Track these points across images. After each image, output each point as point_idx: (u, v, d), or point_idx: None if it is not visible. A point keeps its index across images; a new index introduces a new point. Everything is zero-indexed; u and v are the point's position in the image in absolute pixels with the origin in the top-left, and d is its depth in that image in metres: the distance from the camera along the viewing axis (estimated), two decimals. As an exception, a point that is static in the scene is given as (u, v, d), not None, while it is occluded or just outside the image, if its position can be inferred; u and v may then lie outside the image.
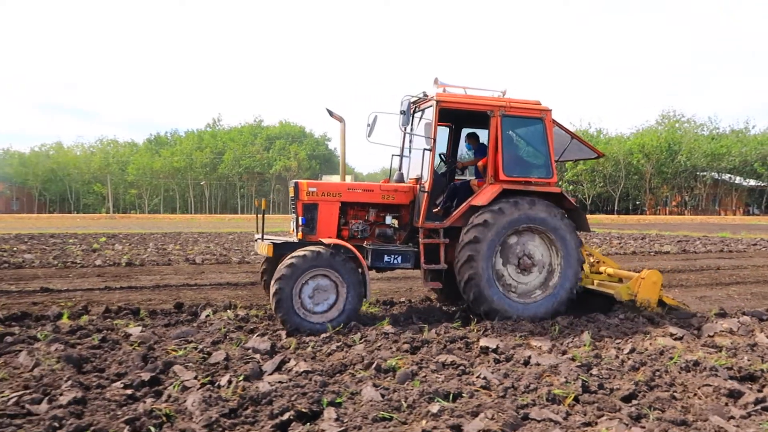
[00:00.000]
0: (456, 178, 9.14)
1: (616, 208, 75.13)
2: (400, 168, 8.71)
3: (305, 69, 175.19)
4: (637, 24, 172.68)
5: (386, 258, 7.55)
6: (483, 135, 8.81)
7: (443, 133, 9.15)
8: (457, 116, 8.84)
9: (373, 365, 5.24)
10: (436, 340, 6.41)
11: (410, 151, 8.47)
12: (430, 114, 7.71)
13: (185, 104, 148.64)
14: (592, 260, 9.35)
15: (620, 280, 9.00)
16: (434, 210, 8.07)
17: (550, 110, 8.01)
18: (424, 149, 7.72)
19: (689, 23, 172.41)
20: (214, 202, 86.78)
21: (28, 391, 4.51)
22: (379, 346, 6.09)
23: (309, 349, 6.08)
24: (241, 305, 8.66)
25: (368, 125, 8.13)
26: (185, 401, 4.39)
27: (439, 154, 8.85)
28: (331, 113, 8.02)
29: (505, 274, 7.76)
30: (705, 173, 73.06)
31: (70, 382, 4.66)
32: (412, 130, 8.11)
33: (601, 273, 9.25)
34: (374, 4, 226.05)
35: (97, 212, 79.66)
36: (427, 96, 7.93)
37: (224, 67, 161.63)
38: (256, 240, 7.92)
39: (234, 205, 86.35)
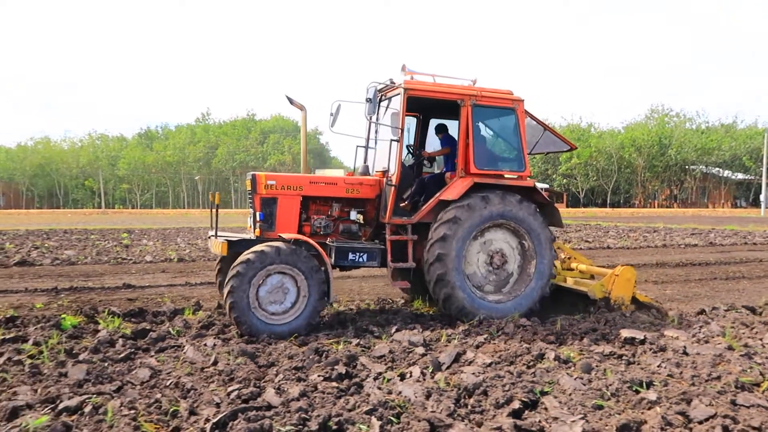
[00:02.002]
0: (424, 171, 8.79)
1: (608, 201, 76.19)
2: (366, 160, 8.24)
3: (296, 63, 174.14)
4: (634, 22, 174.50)
5: (351, 256, 7.14)
6: (451, 127, 8.39)
7: (410, 124, 8.76)
8: (425, 106, 8.39)
9: (551, 356, 5.40)
10: (570, 331, 6.61)
11: (376, 143, 8.07)
12: (398, 102, 7.35)
13: (173, 98, 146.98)
14: (563, 256, 9.06)
15: (592, 277, 8.72)
16: (401, 205, 7.66)
17: (523, 100, 7.68)
18: (391, 140, 7.36)
19: (685, 22, 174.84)
20: (206, 197, 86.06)
21: (240, 386, 4.61)
22: (531, 338, 6.27)
23: (456, 341, 6.22)
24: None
25: (331, 114, 7.71)
26: (401, 392, 4.53)
27: (406, 146, 8.44)
28: (291, 101, 7.66)
29: (476, 272, 7.47)
30: (695, 167, 74.47)
31: (281, 376, 4.77)
32: (378, 119, 7.80)
33: (572, 269, 8.96)
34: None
35: (86, 208, 78.62)
36: (394, 83, 7.52)
37: (212, 61, 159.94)
38: (209, 237, 7.38)
39: (228, 200, 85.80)
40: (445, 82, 7.67)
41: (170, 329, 6.75)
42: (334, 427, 3.95)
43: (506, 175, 7.67)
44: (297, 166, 78.84)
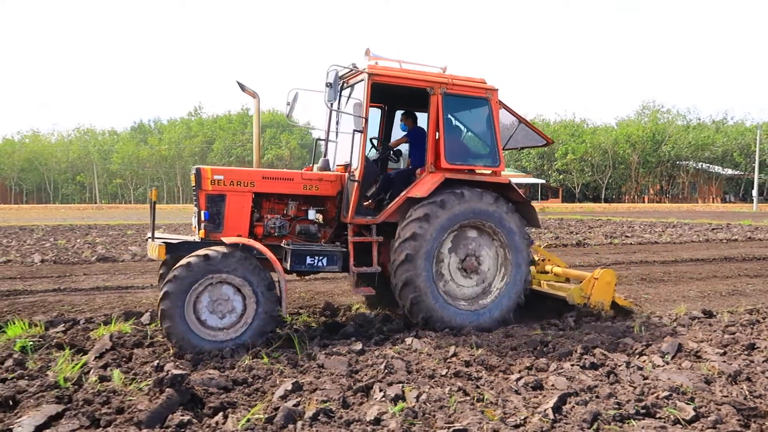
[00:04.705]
0: (389, 167, 8.21)
1: (603, 196, 77.44)
2: (326, 154, 7.58)
3: (290, 57, 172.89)
4: (623, 17, 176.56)
5: (309, 260, 6.43)
6: (420, 119, 7.82)
7: (374, 114, 8.09)
8: (391, 95, 7.80)
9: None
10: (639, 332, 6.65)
11: (337, 135, 7.35)
12: (361, 90, 6.69)
13: (164, 93, 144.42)
14: (537, 258, 8.57)
15: (567, 280, 8.33)
16: (365, 203, 7.07)
17: (497, 90, 7.12)
18: (354, 131, 6.65)
19: (673, 18, 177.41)
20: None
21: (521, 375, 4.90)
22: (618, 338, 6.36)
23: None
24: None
25: (288, 103, 7.02)
26: (670, 378, 4.87)
27: (371, 139, 7.83)
28: (242, 87, 7.05)
29: (447, 276, 6.88)
30: (687, 163, 76.08)
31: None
32: (339, 108, 7.20)
33: (547, 272, 8.49)
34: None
35: (76, 203, 77.39)
36: (357, 68, 6.86)
37: (203, 56, 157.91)
38: (147, 239, 6.61)
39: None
40: (413, 69, 7.03)
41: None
42: (642, 411, 4.28)
43: (479, 171, 7.17)
44: (294, 161, 78.66)
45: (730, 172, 76.92)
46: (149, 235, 6.51)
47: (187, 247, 6.08)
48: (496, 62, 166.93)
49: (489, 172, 7.19)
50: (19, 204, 75.12)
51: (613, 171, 77.11)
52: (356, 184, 6.64)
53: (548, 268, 8.51)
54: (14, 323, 6.67)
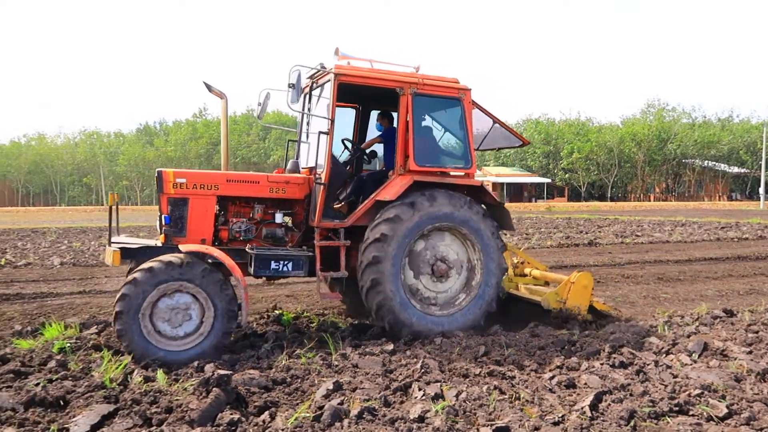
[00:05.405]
0: (364, 168, 8.07)
1: (609, 195, 77.43)
2: (298, 155, 7.47)
3: (295, 57, 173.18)
4: (625, 17, 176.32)
5: (273, 264, 6.25)
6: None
7: (348, 115, 8.04)
8: (364, 95, 7.69)
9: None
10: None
11: (308, 136, 7.22)
12: (328, 90, 6.62)
13: (168, 95, 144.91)
14: (515, 261, 8.40)
15: (547, 284, 8.13)
16: (336, 206, 6.96)
17: (470, 90, 6.99)
18: (320, 132, 6.57)
19: (677, 16, 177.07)
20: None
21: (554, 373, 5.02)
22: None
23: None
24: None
25: (259, 104, 6.85)
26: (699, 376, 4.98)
27: (343, 140, 7.78)
28: (209, 88, 6.90)
29: (416, 280, 6.73)
30: (693, 161, 76.04)
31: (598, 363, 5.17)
32: (309, 110, 7.13)
33: (525, 275, 8.31)
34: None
35: (81, 205, 77.84)
36: (325, 68, 6.71)
37: (207, 57, 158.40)
38: (105, 245, 6.47)
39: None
40: (384, 69, 6.93)
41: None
42: (675, 408, 4.40)
43: (451, 173, 7.05)
44: (300, 162, 78.71)
45: (736, 170, 76.83)
46: (109, 240, 6.26)
47: (148, 252, 5.92)
48: (502, 61, 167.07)
49: (462, 174, 7.07)
50: (26, 206, 75.62)
51: (618, 169, 77.12)
52: (322, 186, 6.51)
53: (527, 270, 8.34)
54: (50, 325, 6.81)
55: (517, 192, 75.95)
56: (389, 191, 6.57)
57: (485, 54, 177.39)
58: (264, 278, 6.94)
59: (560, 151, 76.34)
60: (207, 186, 6.44)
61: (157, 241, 6.33)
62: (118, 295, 5.51)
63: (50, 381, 4.96)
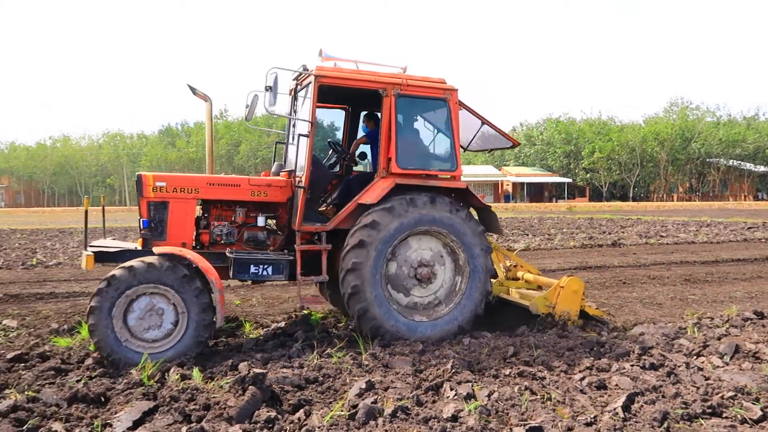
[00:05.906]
0: (354, 171, 7.91)
1: (631, 195, 76.57)
2: (286, 158, 7.35)
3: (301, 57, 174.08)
4: (647, 15, 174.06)
5: (253, 268, 6.25)
6: None
7: (338, 116, 7.89)
8: (352, 97, 7.59)
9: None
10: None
11: (293, 138, 7.01)
12: (310, 92, 6.51)
13: (190, 96, 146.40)
14: (508, 264, 8.22)
15: (539, 288, 7.91)
16: (322, 209, 6.85)
17: (456, 90, 6.84)
18: (299, 134, 6.46)
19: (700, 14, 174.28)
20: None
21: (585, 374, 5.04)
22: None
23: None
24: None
25: (247, 106, 6.57)
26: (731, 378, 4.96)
27: (329, 142, 7.68)
28: (194, 91, 6.82)
29: (398, 286, 6.62)
30: (718, 160, 74.83)
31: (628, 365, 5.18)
32: (296, 112, 7.04)
33: (518, 279, 8.11)
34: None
35: (106, 205, 79.11)
36: (308, 70, 6.62)
37: (227, 59, 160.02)
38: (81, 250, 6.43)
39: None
40: (369, 69, 6.82)
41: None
42: (709, 410, 4.39)
43: (435, 175, 6.87)
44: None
45: (762, 169, 75.43)
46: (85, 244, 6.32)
47: (122, 257, 5.94)
48: (523, 60, 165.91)
49: (448, 176, 6.92)
50: (51, 207, 77.17)
51: (641, 169, 76.18)
52: (302, 190, 6.39)
53: (519, 274, 8.14)
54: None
55: (537, 192, 75.49)
56: (371, 194, 6.50)
57: (507, 53, 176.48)
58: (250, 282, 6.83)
59: (581, 151, 75.65)
60: (187, 189, 6.42)
61: (137, 245, 6.36)
62: (89, 304, 5.53)
63: (90, 378, 5.11)
